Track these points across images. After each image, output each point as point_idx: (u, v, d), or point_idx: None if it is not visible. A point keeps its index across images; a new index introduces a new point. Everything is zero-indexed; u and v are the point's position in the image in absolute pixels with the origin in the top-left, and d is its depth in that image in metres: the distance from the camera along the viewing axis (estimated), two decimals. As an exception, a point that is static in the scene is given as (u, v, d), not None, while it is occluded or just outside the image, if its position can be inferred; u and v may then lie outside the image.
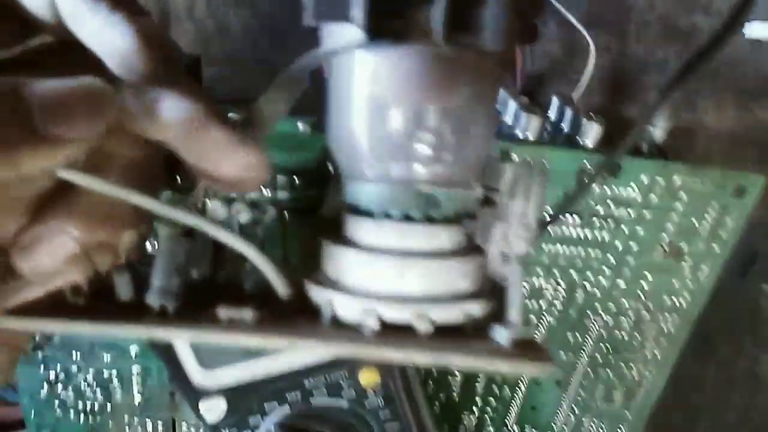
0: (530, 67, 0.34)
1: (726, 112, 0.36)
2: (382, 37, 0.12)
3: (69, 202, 0.15)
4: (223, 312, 0.13)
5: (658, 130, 0.29)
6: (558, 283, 0.29)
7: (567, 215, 0.27)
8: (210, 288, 0.14)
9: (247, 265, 0.15)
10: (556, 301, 0.29)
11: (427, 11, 0.11)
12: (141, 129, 0.15)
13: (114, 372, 0.29)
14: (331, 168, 0.25)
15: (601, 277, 0.29)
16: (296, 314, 0.13)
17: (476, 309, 0.13)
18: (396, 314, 0.12)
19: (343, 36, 0.13)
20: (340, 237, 0.14)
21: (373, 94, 0.13)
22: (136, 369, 0.29)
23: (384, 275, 0.13)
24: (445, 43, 0.12)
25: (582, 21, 0.34)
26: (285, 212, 0.17)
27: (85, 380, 0.29)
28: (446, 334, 0.13)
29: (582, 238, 0.28)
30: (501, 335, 0.12)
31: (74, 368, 0.28)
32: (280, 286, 0.13)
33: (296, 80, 0.21)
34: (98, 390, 0.29)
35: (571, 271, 0.28)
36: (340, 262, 0.13)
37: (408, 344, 0.12)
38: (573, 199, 0.20)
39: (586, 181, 0.20)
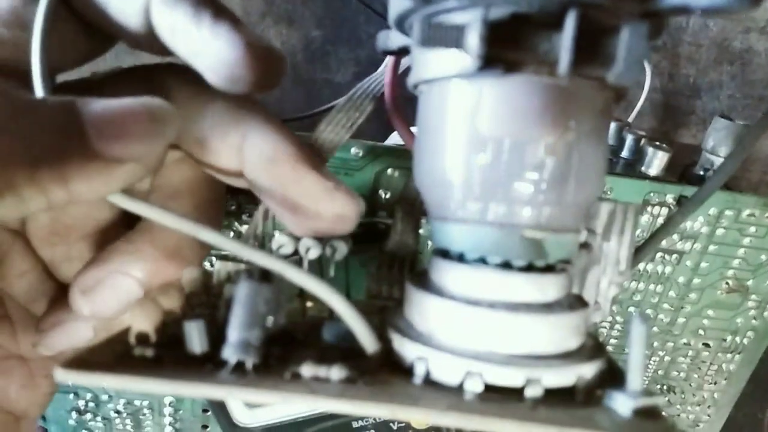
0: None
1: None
2: (494, 66, 0.11)
3: (133, 240, 0.14)
4: (308, 370, 0.11)
5: (718, 159, 0.28)
6: (614, 319, 0.27)
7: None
8: (285, 337, 0.12)
9: (319, 307, 0.14)
10: (611, 339, 0.27)
11: (549, 39, 0.10)
12: (226, 167, 0.15)
13: (146, 402, 0.27)
14: (384, 196, 0.24)
15: (660, 313, 0.27)
16: (382, 370, 0.12)
17: (588, 370, 0.12)
18: (504, 377, 0.11)
19: (442, 64, 0.12)
20: (424, 282, 0.13)
21: (474, 127, 0.12)
22: (168, 399, 0.27)
23: (487, 331, 0.11)
24: (568, 75, 0.10)
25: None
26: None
27: (115, 410, 0.27)
28: (554, 400, 0.11)
29: (642, 271, 0.26)
30: (620, 403, 0.11)
31: (105, 397, 0.27)
32: (369, 342, 0.12)
33: (358, 106, 0.20)
34: (128, 420, 0.28)
35: (629, 307, 0.27)
36: (433, 313, 0.12)
37: (520, 414, 0.10)
38: (659, 237, 0.19)
39: (675, 215, 0.19)
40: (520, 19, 0.10)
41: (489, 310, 0.12)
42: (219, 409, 0.22)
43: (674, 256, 0.26)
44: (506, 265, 0.12)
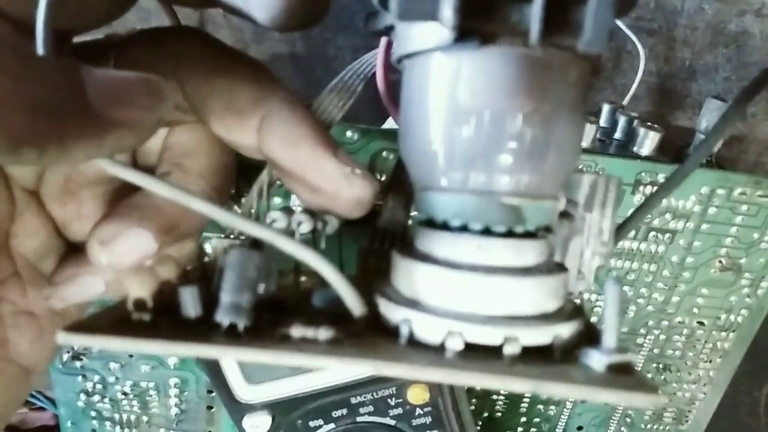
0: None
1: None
2: (470, 38, 0.11)
3: (141, 206, 0.15)
4: (296, 331, 0.12)
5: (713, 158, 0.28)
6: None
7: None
8: (276, 304, 0.13)
9: (313, 281, 0.15)
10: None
11: (520, 10, 0.11)
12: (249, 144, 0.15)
13: (152, 384, 0.28)
14: (381, 177, 0.24)
15: (654, 292, 0.28)
16: (369, 333, 0.12)
17: (565, 330, 0.12)
18: (483, 336, 0.12)
19: (421, 38, 0.12)
20: (411, 250, 0.14)
21: (454, 99, 0.12)
22: (173, 381, 0.28)
23: (468, 294, 0.12)
24: (540, 45, 0.11)
25: (628, 26, 0.33)
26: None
27: (123, 391, 0.28)
28: (532, 358, 0.12)
29: (636, 250, 0.26)
30: (595, 360, 0.11)
31: (112, 379, 0.28)
32: (356, 305, 0.12)
33: (349, 86, 0.21)
34: (135, 401, 0.29)
35: (624, 286, 0.27)
36: (417, 278, 0.13)
37: (498, 369, 0.11)
38: (643, 212, 0.19)
39: (656, 192, 0.19)
40: (493, -9, 0.11)
41: (469, 273, 0.12)
42: (221, 386, 0.23)
43: (667, 235, 0.26)
44: (487, 231, 0.12)
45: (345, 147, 0.24)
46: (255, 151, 0.16)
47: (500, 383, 0.11)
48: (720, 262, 0.27)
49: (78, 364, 0.28)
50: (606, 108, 0.28)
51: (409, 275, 0.13)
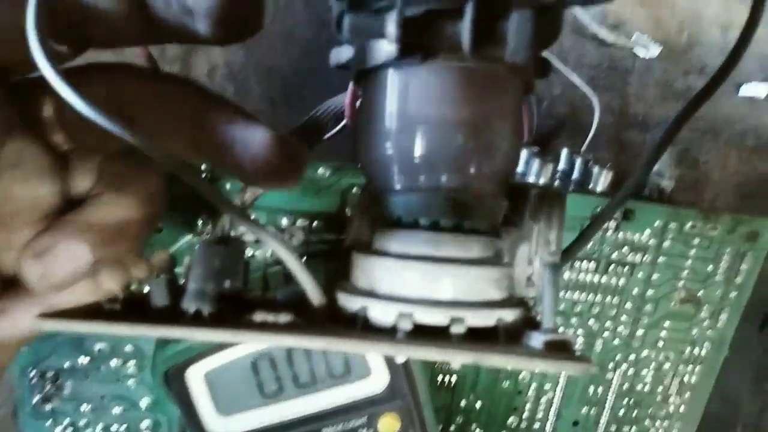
0: (537, 125, 0.35)
1: (730, 167, 0.37)
2: (414, 53, 0.13)
3: (76, 220, 0.15)
4: (258, 316, 0.13)
5: (666, 181, 0.30)
6: (575, 333, 0.28)
7: (583, 261, 0.27)
8: (242, 301, 0.14)
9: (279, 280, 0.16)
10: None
11: (454, 26, 0.12)
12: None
13: (123, 427, 0.28)
14: (350, 211, 0.25)
15: (619, 326, 0.28)
16: (329, 322, 0.13)
17: (509, 315, 0.13)
18: (431, 317, 0.12)
19: (374, 56, 0.14)
20: (368, 249, 0.15)
21: (403, 108, 0.14)
22: (145, 424, 0.28)
23: (417, 282, 0.13)
24: (471, 56, 0.12)
25: (586, 82, 0.36)
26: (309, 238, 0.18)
27: (93, 435, 0.28)
28: (478, 340, 0.13)
29: (598, 283, 0.28)
30: (534, 339, 0.12)
31: (83, 422, 0.27)
32: (315, 293, 0.13)
33: (320, 124, 0.22)
34: (105, 445, 0.28)
35: (590, 320, 0.28)
36: (372, 271, 0.14)
37: (443, 344, 0.12)
38: (587, 237, 0.20)
39: (601, 217, 0.21)
40: (432, 11, 0.12)
41: (418, 262, 0.13)
42: (192, 418, 0.23)
43: (627, 268, 0.27)
44: (436, 227, 0.14)
45: (317, 183, 0.25)
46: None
47: (444, 355, 0.12)
48: (679, 294, 0.28)
49: (48, 407, 0.27)
50: (564, 152, 0.30)
51: (365, 269, 0.14)
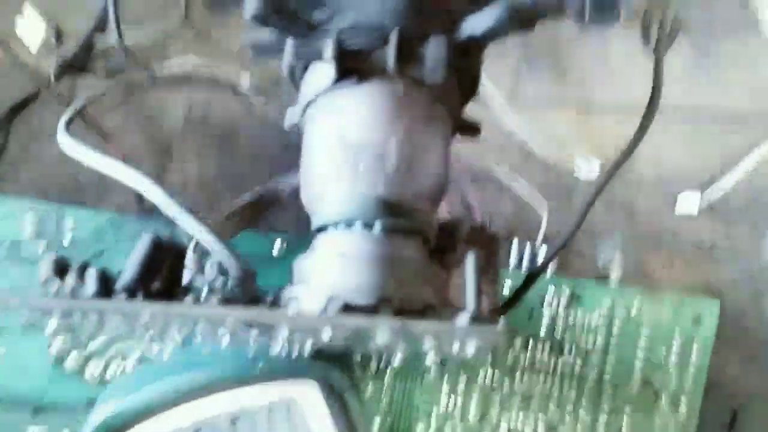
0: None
1: (673, 275, 0.39)
2: (349, 77, 0.15)
3: None
4: (189, 299, 0.13)
5: (613, 273, 0.32)
6: (536, 420, 0.28)
7: (539, 343, 0.27)
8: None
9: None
10: (537, 443, 0.27)
11: (383, 50, 0.15)
12: None
13: None
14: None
15: (581, 412, 0.28)
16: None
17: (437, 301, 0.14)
18: (360, 298, 0.13)
19: (310, 89, 0.16)
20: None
21: (339, 129, 0.15)
22: None
23: (347, 274, 0.14)
24: (396, 74, 0.14)
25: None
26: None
27: None
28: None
29: (555, 369, 0.28)
30: (460, 318, 0.13)
31: None
32: (233, 264, 0.14)
33: (277, 196, 0.24)
34: None
35: (550, 405, 0.28)
36: (305, 266, 0.14)
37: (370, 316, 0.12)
38: (519, 294, 0.21)
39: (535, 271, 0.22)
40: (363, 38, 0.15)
41: (349, 258, 0.14)
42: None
43: (581, 352, 0.28)
44: (368, 227, 0.15)
45: (273, 260, 0.26)
46: None
47: (368, 322, 0.12)
48: (636, 380, 0.28)
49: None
50: (515, 244, 0.32)
51: (299, 267, 0.15)
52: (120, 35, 0.31)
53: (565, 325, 0.28)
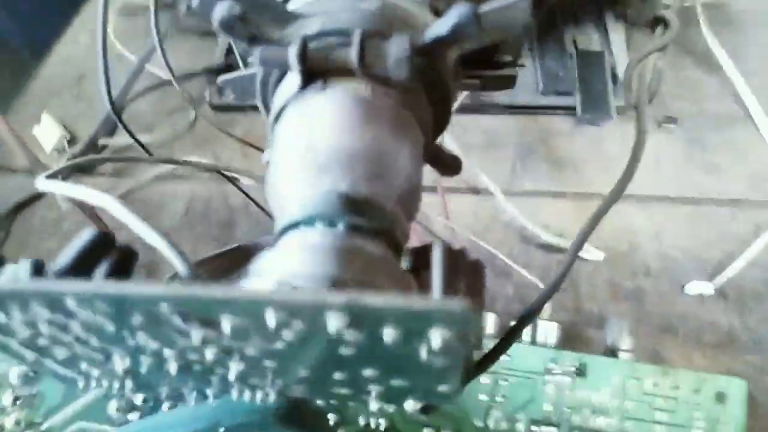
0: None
1: (693, 362, 0.36)
2: (314, 82, 0.15)
3: None
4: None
5: (622, 352, 0.29)
6: None
7: (542, 426, 0.24)
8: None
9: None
10: None
11: (347, 51, 0.15)
12: None
13: None
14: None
15: None
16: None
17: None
18: (311, 282, 0.12)
19: (280, 98, 0.16)
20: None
21: (307, 135, 0.15)
22: None
23: (302, 263, 0.12)
24: (362, 77, 0.14)
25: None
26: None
27: None
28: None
29: (563, 455, 0.24)
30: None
31: None
32: (179, 264, 0.12)
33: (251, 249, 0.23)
34: None
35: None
36: (259, 264, 0.13)
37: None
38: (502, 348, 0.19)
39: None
40: (328, 42, 0.15)
41: (305, 250, 0.13)
42: None
43: (591, 433, 0.25)
44: (332, 225, 0.14)
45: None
46: None
47: (317, 297, 0.11)
48: (658, 469, 0.25)
49: None
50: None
51: (254, 265, 0.13)
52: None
53: (573, 402, 0.25)
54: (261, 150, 0.18)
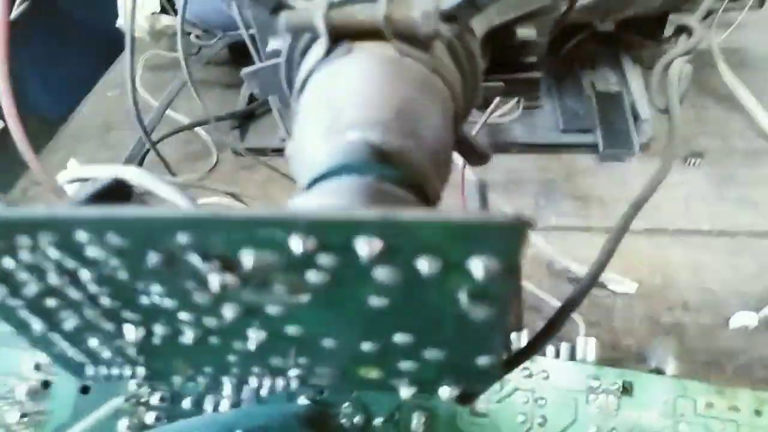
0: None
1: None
2: (340, 45, 0.15)
3: None
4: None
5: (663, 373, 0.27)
6: None
7: None
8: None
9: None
10: None
11: (373, 9, 0.14)
12: None
13: None
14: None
15: None
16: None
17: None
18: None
19: (307, 63, 0.16)
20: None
21: (327, 90, 0.14)
22: None
23: (328, 199, 0.11)
24: (389, 34, 0.14)
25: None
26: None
27: None
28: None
29: (613, 484, 0.22)
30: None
31: None
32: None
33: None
34: None
35: None
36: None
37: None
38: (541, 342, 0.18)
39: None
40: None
41: (332, 190, 0.12)
42: None
43: (642, 459, 0.22)
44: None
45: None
46: None
47: (346, 214, 0.10)
48: (722, 501, 0.22)
49: None
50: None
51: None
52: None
53: (619, 421, 0.23)
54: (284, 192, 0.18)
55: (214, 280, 0.11)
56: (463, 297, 0.11)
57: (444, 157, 0.14)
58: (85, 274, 0.12)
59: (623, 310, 0.37)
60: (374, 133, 0.13)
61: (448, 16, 0.15)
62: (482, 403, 0.23)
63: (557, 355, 0.25)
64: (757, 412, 0.23)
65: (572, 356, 0.25)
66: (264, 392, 0.15)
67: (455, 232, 0.10)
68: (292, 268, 0.11)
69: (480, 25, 0.17)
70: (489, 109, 0.30)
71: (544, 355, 0.24)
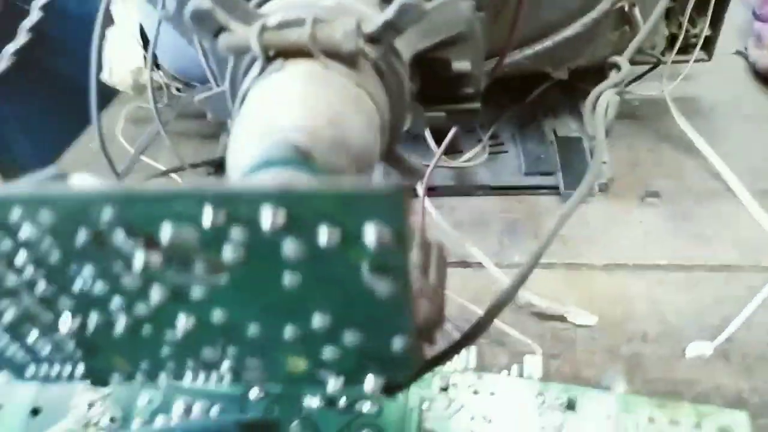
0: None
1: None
2: (275, 60, 0.16)
3: None
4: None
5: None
6: None
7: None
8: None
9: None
10: None
11: (300, 31, 0.16)
12: None
13: None
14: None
15: None
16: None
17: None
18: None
19: (246, 82, 0.17)
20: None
21: (262, 107, 0.16)
22: None
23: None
24: (314, 52, 0.16)
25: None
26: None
27: None
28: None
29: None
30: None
31: None
32: None
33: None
34: None
35: None
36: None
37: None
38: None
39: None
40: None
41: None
42: None
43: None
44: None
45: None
46: None
47: (249, 186, 0.11)
48: None
49: None
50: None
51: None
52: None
53: (562, 437, 0.23)
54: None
55: (139, 258, 0.12)
56: (365, 270, 0.12)
57: (367, 161, 0.16)
58: (21, 257, 0.13)
59: (584, 342, 0.37)
60: (297, 135, 0.15)
61: (372, 38, 0.16)
62: (430, 420, 0.23)
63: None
64: (697, 425, 0.23)
65: (520, 374, 0.26)
66: (198, 385, 0.16)
67: (345, 200, 0.11)
68: (207, 244, 0.12)
69: (406, 48, 0.18)
70: (443, 144, 0.32)
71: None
